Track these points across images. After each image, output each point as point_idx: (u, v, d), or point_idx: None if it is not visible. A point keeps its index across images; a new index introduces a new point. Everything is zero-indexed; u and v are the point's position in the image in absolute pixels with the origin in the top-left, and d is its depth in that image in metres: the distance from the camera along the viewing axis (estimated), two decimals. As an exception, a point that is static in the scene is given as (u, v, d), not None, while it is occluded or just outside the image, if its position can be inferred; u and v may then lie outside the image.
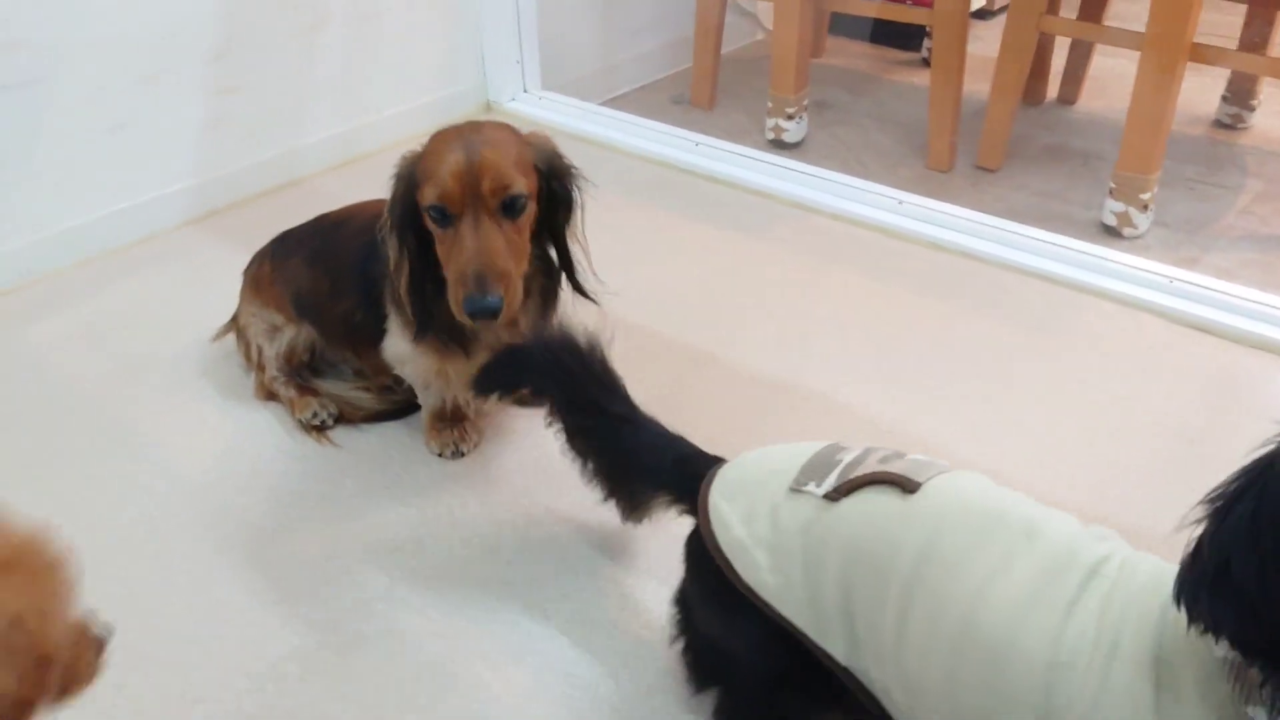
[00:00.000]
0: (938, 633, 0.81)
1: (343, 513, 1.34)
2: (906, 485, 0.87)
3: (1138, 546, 0.84)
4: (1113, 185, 2.05)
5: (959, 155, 2.40)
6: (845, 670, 0.89)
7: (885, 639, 0.85)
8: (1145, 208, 2.03)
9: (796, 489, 0.92)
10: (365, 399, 1.53)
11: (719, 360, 1.62)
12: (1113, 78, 2.79)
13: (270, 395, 1.54)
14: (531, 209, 1.24)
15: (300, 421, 1.49)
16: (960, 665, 0.80)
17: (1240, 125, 2.53)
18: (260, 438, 1.48)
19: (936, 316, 1.72)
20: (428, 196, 1.19)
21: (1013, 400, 1.53)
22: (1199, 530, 0.71)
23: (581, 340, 1.11)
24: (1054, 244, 1.86)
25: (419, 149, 1.24)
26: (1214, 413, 1.49)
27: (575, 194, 1.30)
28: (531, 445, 1.45)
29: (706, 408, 1.51)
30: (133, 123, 1.91)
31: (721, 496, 0.97)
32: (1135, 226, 2.04)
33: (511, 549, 1.28)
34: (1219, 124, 2.56)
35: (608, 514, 1.32)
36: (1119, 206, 2.04)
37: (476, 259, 1.17)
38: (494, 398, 1.27)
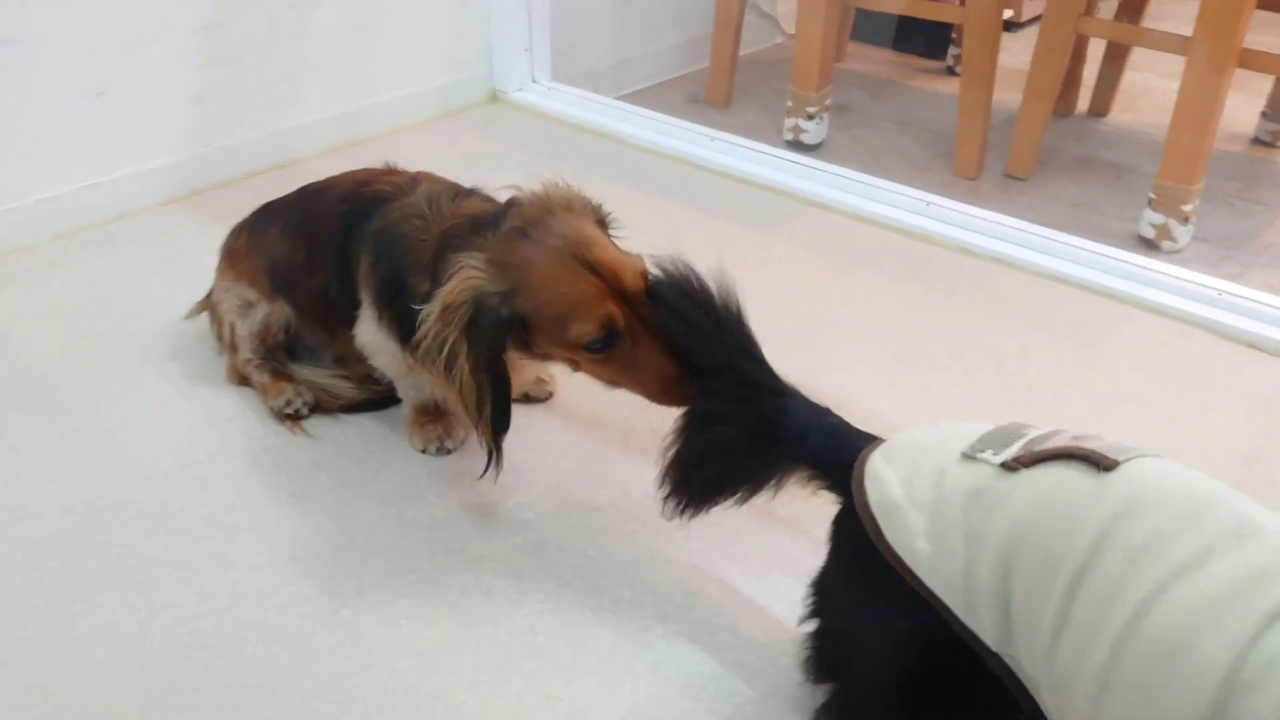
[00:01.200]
0: (1103, 625, 0.68)
1: (313, 510, 1.22)
2: (1102, 462, 0.74)
3: None
4: (1152, 196, 1.93)
5: (987, 163, 2.28)
6: (995, 656, 0.77)
7: (1043, 627, 0.72)
8: (1186, 220, 1.91)
9: (971, 455, 0.80)
10: (344, 387, 1.40)
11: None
12: (1144, 91, 2.68)
13: (243, 380, 1.42)
14: None
15: (273, 409, 1.36)
16: (1119, 665, 0.67)
17: (1280, 143, 2.42)
18: (229, 425, 1.36)
19: (966, 323, 1.60)
20: (578, 335, 1.03)
21: (1051, 415, 1.40)
22: None
23: (714, 289, 0.99)
24: (1093, 252, 1.74)
25: (485, 285, 1.04)
26: (1271, 433, 1.36)
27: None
28: (520, 445, 1.32)
29: (716, 410, 1.39)
30: (115, 90, 1.80)
31: (882, 458, 0.87)
32: (1174, 240, 1.92)
33: (497, 557, 1.15)
34: (1258, 141, 2.44)
35: (597, 522, 1.20)
36: (1158, 218, 1.92)
37: (673, 368, 1.04)
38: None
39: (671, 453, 1.01)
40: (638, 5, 2.65)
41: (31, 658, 1.02)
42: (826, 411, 0.98)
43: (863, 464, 0.88)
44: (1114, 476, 0.73)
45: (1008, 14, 3.12)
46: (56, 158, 1.77)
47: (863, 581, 0.86)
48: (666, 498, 1.01)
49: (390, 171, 1.33)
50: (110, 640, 1.04)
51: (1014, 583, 0.75)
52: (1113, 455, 0.74)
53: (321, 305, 1.32)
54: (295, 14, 2.00)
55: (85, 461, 1.28)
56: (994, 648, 0.77)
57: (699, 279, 1.01)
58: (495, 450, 1.09)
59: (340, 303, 1.27)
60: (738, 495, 1.01)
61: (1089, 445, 0.76)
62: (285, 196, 1.40)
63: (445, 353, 1.04)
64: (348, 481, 1.27)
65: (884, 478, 0.85)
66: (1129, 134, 2.49)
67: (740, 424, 0.98)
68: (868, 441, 0.93)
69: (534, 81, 2.41)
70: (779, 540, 1.18)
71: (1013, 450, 0.79)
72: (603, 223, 1.14)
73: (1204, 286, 1.62)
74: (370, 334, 1.24)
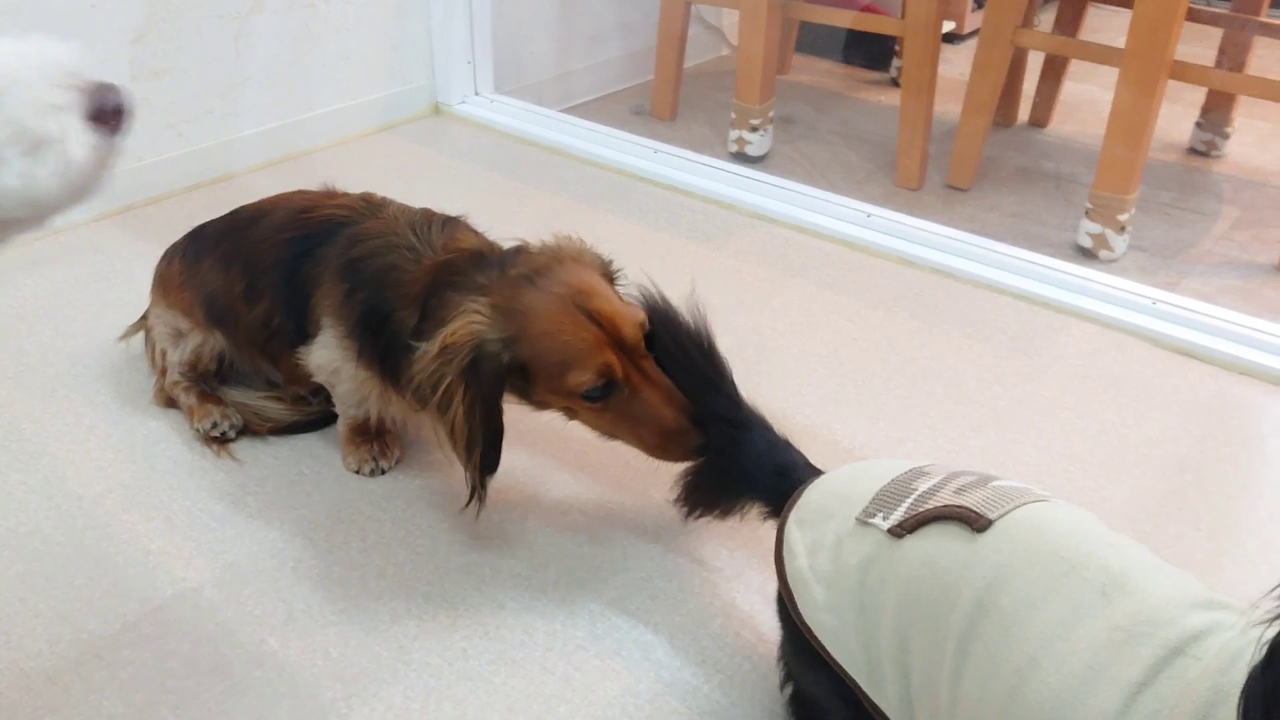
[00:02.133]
0: (987, 699, 0.67)
1: (240, 535, 1.19)
2: (975, 523, 0.73)
3: None
4: (1089, 206, 1.95)
5: (929, 174, 2.30)
6: None
7: (940, 700, 0.71)
8: (1123, 230, 1.94)
9: (864, 520, 0.80)
10: (275, 409, 1.37)
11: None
12: (1084, 102, 2.72)
13: (170, 401, 1.38)
14: None
15: (199, 431, 1.33)
16: None
17: (1214, 152, 2.46)
18: (154, 448, 1.32)
19: (905, 334, 1.60)
20: (577, 383, 1.03)
21: (990, 425, 1.41)
22: (1270, 631, 0.55)
23: (687, 319, 1.01)
24: (1032, 262, 1.75)
25: (487, 331, 1.03)
26: (1205, 441, 1.38)
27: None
28: (453, 465, 1.30)
29: (656, 426, 1.37)
30: (40, 105, 1.75)
31: (796, 522, 0.87)
32: (1112, 249, 1.94)
33: (429, 581, 1.13)
34: (1193, 151, 2.48)
35: (532, 544, 1.18)
36: (1095, 228, 1.95)
37: (674, 408, 1.05)
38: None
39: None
40: (582, 18, 2.64)
41: (-60, 696, 0.98)
42: (784, 446, 1.00)
43: (782, 528, 0.89)
44: (987, 538, 0.72)
45: (950, 26, 3.15)
46: (-21, 174, 1.72)
47: (800, 648, 0.86)
48: (680, 496, 1.08)
49: (332, 194, 1.30)
50: (29, 673, 1.00)
51: (910, 655, 0.74)
52: (987, 512, 0.74)
53: (263, 335, 1.28)
54: (228, 25, 1.96)
55: (8, 487, 1.24)
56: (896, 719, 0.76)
57: (672, 309, 1.04)
58: (480, 489, 1.08)
59: (285, 331, 1.24)
60: (713, 513, 1.06)
61: (967, 501, 0.75)
62: (217, 221, 1.36)
63: (440, 393, 1.03)
64: (276, 505, 1.24)
65: (795, 548, 0.85)
66: (1068, 144, 2.52)
67: (704, 456, 1.03)
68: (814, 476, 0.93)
69: (477, 94, 2.39)
70: (723, 567, 1.17)
71: (899, 513, 0.79)
72: (610, 277, 1.14)
73: (1139, 296, 1.64)
74: (326, 357, 1.21)
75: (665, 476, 1.27)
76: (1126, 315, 1.62)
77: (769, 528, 0.98)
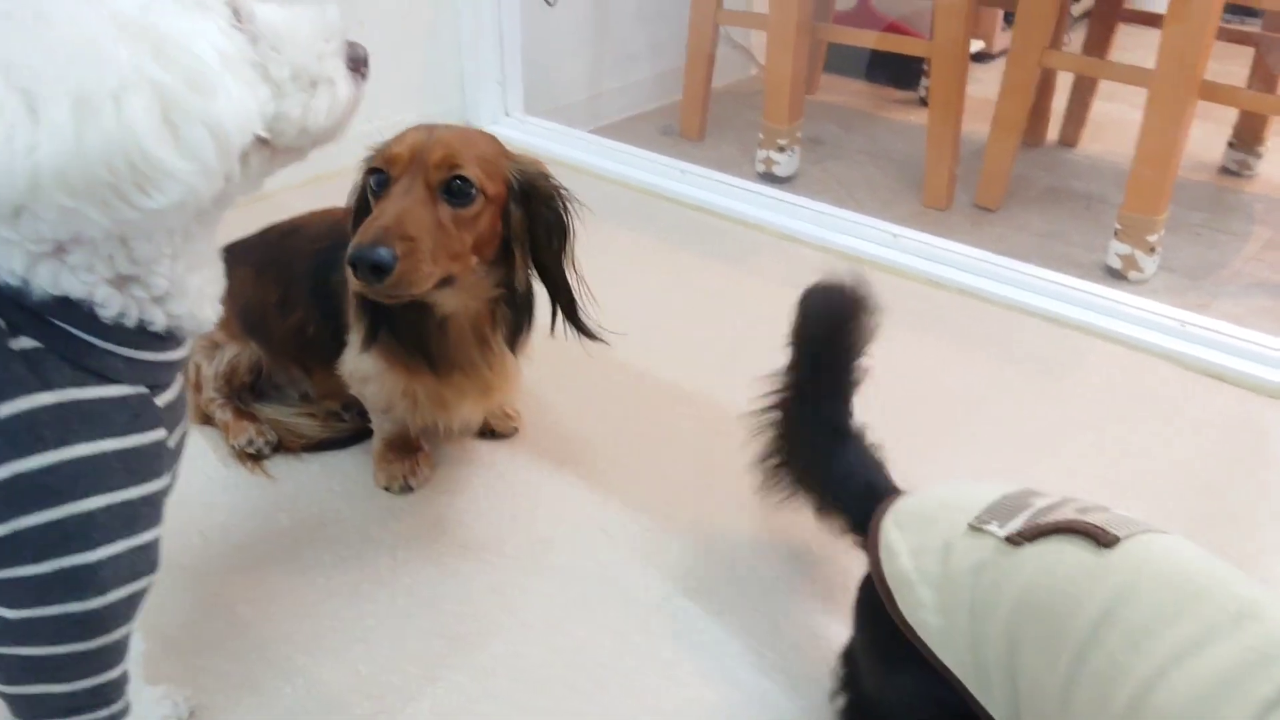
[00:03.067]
0: (1104, 707, 0.68)
1: (272, 552, 1.21)
2: (1103, 538, 0.74)
3: None
4: (1118, 227, 1.95)
5: (957, 194, 2.30)
6: None
7: (1050, 704, 0.72)
8: (1152, 250, 1.93)
9: (977, 526, 0.81)
10: (308, 425, 1.40)
11: (697, 397, 1.50)
12: (1113, 121, 2.71)
13: (205, 419, 1.41)
14: (485, 213, 1.11)
15: (234, 448, 1.36)
16: None
17: (1246, 172, 2.45)
18: (188, 464, 1.32)
19: (932, 356, 1.61)
20: (373, 164, 1.09)
21: (1015, 447, 1.41)
22: None
23: (863, 323, 1.04)
24: (1060, 284, 1.75)
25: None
26: (1233, 465, 1.37)
27: (567, 219, 1.16)
28: (482, 484, 1.32)
29: (681, 446, 1.39)
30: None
31: (894, 524, 0.88)
32: (1141, 270, 1.94)
33: (458, 598, 1.14)
34: (1225, 171, 2.47)
35: (558, 563, 1.19)
36: (1124, 249, 1.94)
37: (388, 215, 1.02)
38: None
39: (763, 439, 1.09)
40: (612, 38, 2.67)
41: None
42: (876, 466, 1.01)
43: (876, 529, 0.90)
44: (1114, 554, 0.73)
45: (979, 45, 3.16)
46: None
47: (886, 653, 0.87)
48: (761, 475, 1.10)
49: None
50: (62, 688, 1.03)
51: (1020, 659, 0.75)
52: (1114, 531, 0.75)
53: (297, 344, 1.31)
54: (266, 50, 2.00)
55: (44, 503, 1.27)
56: None
57: (850, 301, 1.05)
58: (362, 317, 1.16)
59: (319, 340, 1.27)
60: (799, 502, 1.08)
61: (1092, 520, 0.76)
62: (249, 238, 1.39)
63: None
64: (307, 522, 1.26)
65: (895, 548, 0.86)
66: (1098, 164, 2.52)
67: (801, 452, 1.06)
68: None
69: (507, 115, 2.42)
70: (764, 590, 1.18)
71: (1017, 523, 0.80)
72: (543, 187, 1.15)
73: (1167, 318, 1.63)
74: (355, 363, 1.23)
75: (691, 497, 1.28)
76: (1154, 337, 1.61)
77: (809, 537, 0.99)
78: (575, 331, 1.20)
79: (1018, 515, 0.80)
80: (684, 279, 1.83)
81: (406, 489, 1.31)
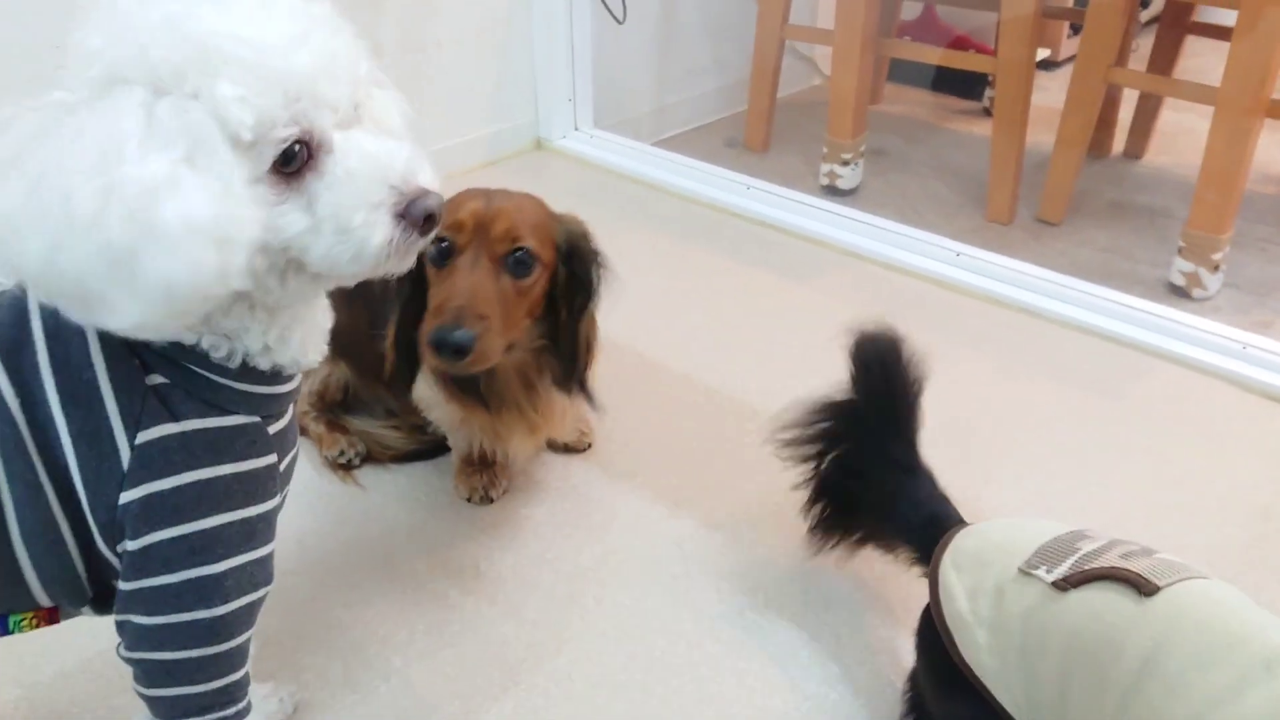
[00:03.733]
0: None
1: (364, 559, 1.30)
2: (1144, 587, 0.79)
3: None
4: (1182, 244, 1.96)
5: (1020, 207, 2.32)
6: None
7: None
8: (1216, 268, 1.94)
9: (1026, 571, 0.86)
10: (395, 438, 1.49)
11: (763, 413, 1.55)
12: (1181, 132, 2.70)
13: (300, 430, 1.50)
14: (540, 280, 1.18)
15: (327, 459, 1.45)
16: None
17: (1317, 185, 2.43)
18: (287, 474, 1.44)
19: (991, 375, 1.65)
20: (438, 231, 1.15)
21: (1073, 468, 1.44)
22: None
23: (910, 364, 1.10)
24: (1119, 303, 1.78)
25: None
26: (1291, 490, 1.40)
27: (595, 281, 1.22)
28: (558, 496, 1.40)
29: (749, 462, 1.45)
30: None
31: (952, 566, 0.94)
32: (1205, 288, 1.95)
33: (536, 607, 1.22)
34: (1294, 183, 2.46)
35: (633, 572, 1.26)
36: (1188, 266, 1.96)
37: (462, 293, 1.09)
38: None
39: (812, 484, 1.15)
40: (678, 53, 2.73)
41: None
42: (943, 500, 1.07)
43: (936, 568, 0.95)
44: (1155, 602, 0.78)
45: (1045, 53, 3.16)
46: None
47: (946, 684, 0.92)
48: (810, 524, 1.16)
49: None
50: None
51: (1069, 702, 0.80)
52: (1155, 579, 0.79)
53: (382, 367, 1.40)
54: (350, 72, 2.10)
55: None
56: None
57: (899, 346, 1.11)
58: (389, 358, 1.23)
59: (400, 364, 1.35)
60: (854, 542, 1.14)
61: (1134, 566, 0.81)
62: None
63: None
64: (396, 530, 1.34)
65: (953, 591, 0.92)
66: (1164, 176, 2.52)
67: (868, 488, 1.10)
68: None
69: (577, 129, 2.50)
70: (830, 605, 1.24)
71: (1064, 568, 0.84)
72: (583, 249, 1.21)
73: (1228, 339, 1.65)
74: (423, 391, 1.32)
75: (758, 512, 1.34)
76: (1215, 359, 1.63)
77: (883, 565, 1.05)
78: (567, 387, 1.25)
79: (1065, 560, 0.84)
80: (751, 295, 1.88)
81: (486, 500, 1.39)
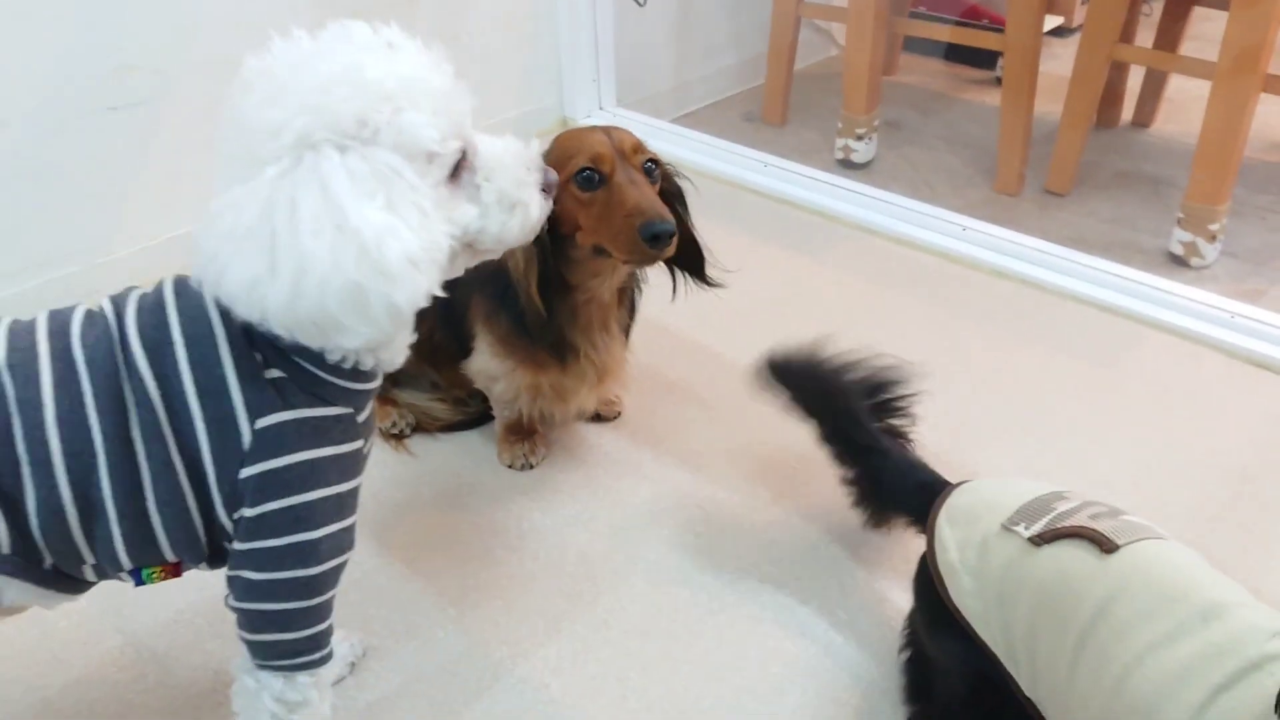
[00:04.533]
0: (1098, 686, 0.86)
1: (418, 519, 1.44)
2: (1105, 545, 0.91)
3: None
4: (1180, 215, 2.06)
5: (1028, 178, 2.42)
6: (1028, 700, 0.95)
7: (1059, 679, 0.90)
8: (1213, 238, 2.04)
9: (1007, 527, 0.99)
10: (441, 410, 1.62)
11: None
12: (1190, 100, 2.77)
13: (354, 404, 1.64)
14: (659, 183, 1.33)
15: (381, 430, 1.59)
16: (1110, 718, 0.85)
17: (1319, 152, 2.51)
18: (344, 445, 1.58)
19: (993, 345, 1.76)
20: (574, 165, 1.26)
21: (1065, 434, 1.56)
22: None
23: (829, 366, 1.25)
24: (1114, 274, 1.88)
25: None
26: (1269, 452, 1.51)
27: (683, 186, 1.39)
28: (591, 463, 1.53)
29: (767, 431, 1.57)
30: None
31: (947, 520, 1.06)
32: (1202, 257, 2.05)
33: (573, 563, 1.36)
34: (1297, 150, 2.53)
35: (660, 533, 1.40)
36: (1186, 236, 2.05)
37: (644, 198, 1.24)
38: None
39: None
40: (698, 30, 2.82)
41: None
42: (923, 467, 1.19)
43: (933, 524, 1.08)
44: (1113, 559, 0.90)
45: (1058, 21, 3.22)
46: (188, 201, 2.02)
47: (938, 623, 1.06)
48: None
49: None
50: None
51: (1037, 642, 0.93)
52: (1115, 539, 0.91)
53: (429, 347, 1.53)
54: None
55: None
56: (1027, 692, 0.95)
57: (815, 357, 1.26)
58: (539, 306, 1.31)
59: (444, 345, 1.49)
60: (865, 524, 1.29)
61: (1099, 526, 0.93)
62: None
63: None
64: (445, 494, 1.49)
65: (946, 542, 1.04)
66: (1171, 145, 2.60)
67: (856, 477, 1.24)
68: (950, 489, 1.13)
69: (601, 109, 2.60)
70: (836, 560, 1.37)
71: (1039, 526, 0.97)
72: (665, 164, 1.36)
73: (1218, 309, 1.76)
74: (482, 364, 1.44)
75: (774, 478, 1.47)
76: (1205, 328, 1.74)
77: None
78: (700, 282, 1.42)
79: (1041, 519, 0.97)
80: (765, 269, 2.00)
81: (527, 466, 1.53)
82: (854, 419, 1.22)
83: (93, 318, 0.87)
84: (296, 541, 0.89)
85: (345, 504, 0.93)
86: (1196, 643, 0.82)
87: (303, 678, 0.96)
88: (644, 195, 1.25)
